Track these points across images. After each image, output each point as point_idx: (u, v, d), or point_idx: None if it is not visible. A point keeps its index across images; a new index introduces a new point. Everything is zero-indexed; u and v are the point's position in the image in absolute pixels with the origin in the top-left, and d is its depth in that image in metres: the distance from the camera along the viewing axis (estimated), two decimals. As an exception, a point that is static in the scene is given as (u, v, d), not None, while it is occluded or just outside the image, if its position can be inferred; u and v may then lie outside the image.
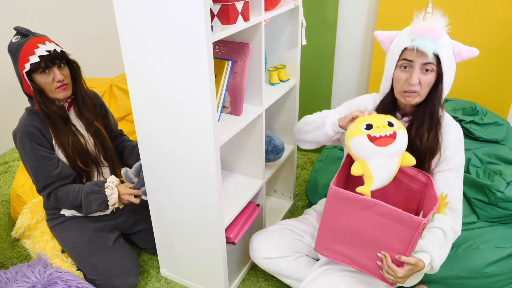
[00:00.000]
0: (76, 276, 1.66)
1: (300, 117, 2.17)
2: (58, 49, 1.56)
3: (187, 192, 1.54)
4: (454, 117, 2.03)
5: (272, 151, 1.90)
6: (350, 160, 1.45)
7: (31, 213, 1.98)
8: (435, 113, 1.35)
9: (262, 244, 1.64)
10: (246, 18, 1.43)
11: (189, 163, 1.46)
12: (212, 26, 1.25)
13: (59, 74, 1.57)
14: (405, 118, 1.43)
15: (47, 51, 1.52)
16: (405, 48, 1.30)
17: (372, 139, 1.26)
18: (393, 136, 1.26)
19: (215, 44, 1.60)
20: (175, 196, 1.58)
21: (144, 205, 1.77)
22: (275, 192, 2.33)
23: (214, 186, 1.45)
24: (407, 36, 1.29)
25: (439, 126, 1.37)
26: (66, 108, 1.68)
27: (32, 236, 1.96)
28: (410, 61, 1.30)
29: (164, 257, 1.82)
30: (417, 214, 1.42)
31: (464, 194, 1.80)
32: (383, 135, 1.26)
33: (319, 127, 1.51)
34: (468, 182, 1.79)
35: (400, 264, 1.29)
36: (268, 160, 1.91)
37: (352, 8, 2.46)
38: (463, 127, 2.00)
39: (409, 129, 1.38)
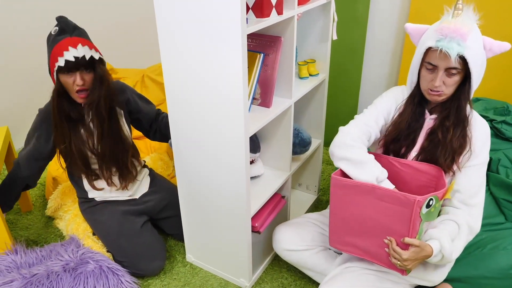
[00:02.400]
0: (106, 257, 1.73)
1: (328, 112, 2.18)
2: (88, 56, 1.55)
3: (216, 180, 1.58)
4: (485, 117, 2.00)
5: (299, 144, 1.91)
6: None
7: (62, 193, 2.11)
8: (462, 108, 1.36)
9: (286, 236, 1.67)
10: (279, 12, 1.46)
11: (220, 152, 1.49)
12: (246, 18, 1.28)
13: (78, 79, 1.58)
14: (433, 116, 1.43)
15: (74, 57, 1.53)
16: (430, 48, 1.29)
17: None
18: None
19: (248, 36, 1.62)
20: (205, 183, 1.62)
21: (173, 192, 1.82)
22: (300, 186, 2.35)
23: (242, 175, 1.48)
24: (432, 35, 1.28)
25: (467, 122, 1.37)
26: (83, 104, 1.68)
27: (65, 219, 2.05)
28: (434, 65, 1.30)
29: (191, 243, 1.87)
30: None
31: (493, 194, 1.78)
32: None
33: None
34: (497, 183, 1.77)
35: (405, 247, 1.33)
36: (294, 153, 1.93)
37: (384, 3, 2.44)
38: (494, 127, 1.97)
39: (435, 124, 1.40)
